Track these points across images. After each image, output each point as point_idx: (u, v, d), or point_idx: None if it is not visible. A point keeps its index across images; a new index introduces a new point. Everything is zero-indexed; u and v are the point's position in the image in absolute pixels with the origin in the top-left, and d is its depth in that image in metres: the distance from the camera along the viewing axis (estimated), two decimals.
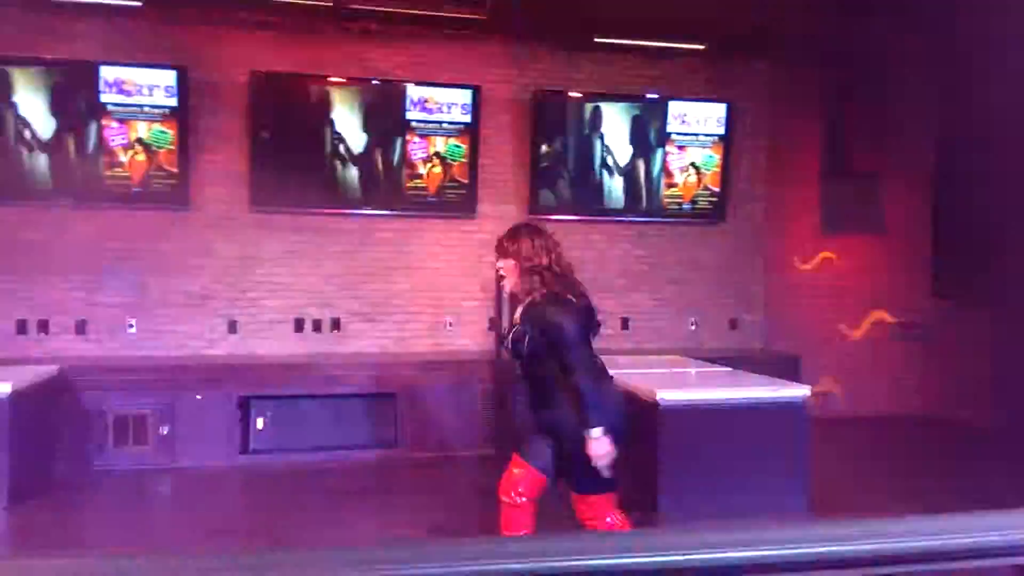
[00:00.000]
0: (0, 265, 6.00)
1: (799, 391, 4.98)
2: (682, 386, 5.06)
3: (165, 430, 5.68)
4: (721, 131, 7.10)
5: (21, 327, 6.04)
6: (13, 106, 5.90)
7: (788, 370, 6.48)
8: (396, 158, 6.58)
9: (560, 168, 6.90)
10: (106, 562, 0.92)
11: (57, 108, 5.97)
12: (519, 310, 3.40)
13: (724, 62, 7.24)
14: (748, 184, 7.39)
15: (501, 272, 3.44)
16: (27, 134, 5.92)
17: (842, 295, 7.66)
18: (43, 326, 6.08)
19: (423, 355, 6.58)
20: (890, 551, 1.02)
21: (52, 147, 5.97)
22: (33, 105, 5.93)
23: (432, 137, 6.62)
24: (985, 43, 6.61)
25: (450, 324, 6.82)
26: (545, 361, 3.26)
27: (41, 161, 5.95)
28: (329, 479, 5.55)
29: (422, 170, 6.64)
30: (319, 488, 5.36)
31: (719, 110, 7.08)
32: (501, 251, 3.42)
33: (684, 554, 1.00)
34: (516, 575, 0.95)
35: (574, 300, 3.31)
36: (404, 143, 6.58)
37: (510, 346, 3.35)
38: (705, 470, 4.67)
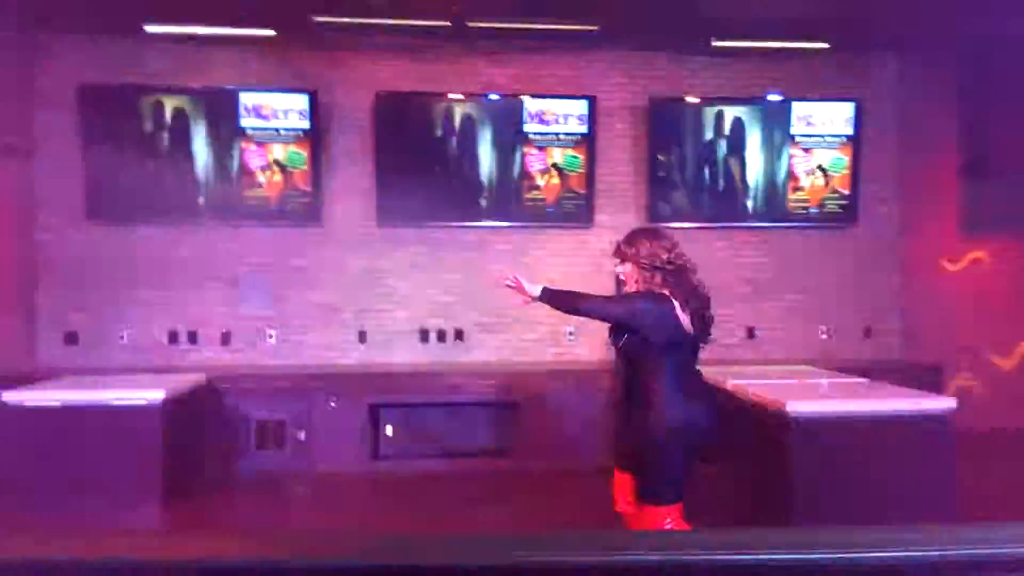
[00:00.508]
0: (154, 280, 6.49)
1: (942, 403, 4.70)
2: (814, 397, 4.88)
3: (302, 435, 5.97)
4: (849, 131, 6.83)
5: (173, 338, 6.51)
6: (165, 131, 6.38)
7: (929, 381, 6.13)
8: (514, 170, 6.69)
9: (679, 175, 6.82)
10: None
11: (203, 133, 6.42)
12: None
13: (850, 59, 6.97)
14: (880, 185, 7.06)
15: (621, 277, 3.40)
16: (178, 158, 6.39)
17: (987, 300, 7.17)
18: (192, 337, 6.53)
19: (544, 365, 6.64)
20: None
21: (199, 170, 6.41)
22: (182, 130, 6.39)
23: (549, 148, 6.69)
24: None
25: (570, 334, 6.85)
26: (638, 360, 3.24)
27: (190, 183, 6.40)
28: (453, 484, 5.68)
29: (540, 181, 6.72)
30: (444, 493, 5.50)
31: (846, 109, 6.82)
32: (620, 255, 3.38)
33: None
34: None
35: (671, 298, 3.24)
36: (522, 155, 6.68)
37: (611, 340, 3.33)
38: (841, 486, 4.48)
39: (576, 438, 6.22)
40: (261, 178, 6.48)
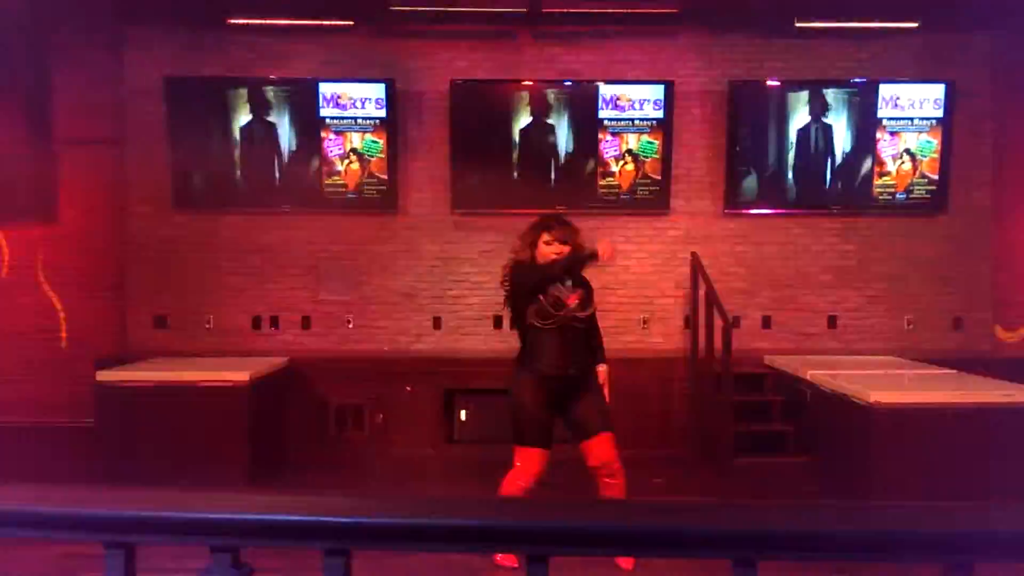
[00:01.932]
0: (238, 266, 6.71)
1: None
2: (899, 388, 4.74)
3: (380, 418, 6.10)
4: (939, 114, 6.56)
5: (256, 322, 6.72)
6: (248, 122, 6.56)
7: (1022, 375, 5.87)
8: (589, 157, 6.65)
9: (758, 160, 6.67)
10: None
11: (284, 123, 6.58)
12: (567, 282, 3.92)
13: (940, 39, 6.68)
14: (972, 170, 6.77)
15: (554, 256, 3.89)
16: (259, 148, 6.57)
17: None
18: (274, 321, 6.73)
19: (618, 352, 6.59)
20: None
21: (280, 159, 6.58)
22: (263, 120, 6.57)
23: (624, 134, 6.63)
24: None
25: (644, 322, 6.80)
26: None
27: (272, 172, 6.58)
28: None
29: (614, 168, 6.67)
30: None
31: (936, 91, 6.55)
32: (567, 239, 3.92)
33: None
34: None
35: None
36: (597, 142, 6.64)
37: (565, 311, 3.86)
38: (926, 480, 4.35)
39: (650, 426, 6.19)
40: (339, 166, 6.61)
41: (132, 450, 5.11)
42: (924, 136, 6.59)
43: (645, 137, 6.64)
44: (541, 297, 3.86)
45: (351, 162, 6.61)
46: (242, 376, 5.26)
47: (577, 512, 1.15)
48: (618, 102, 6.61)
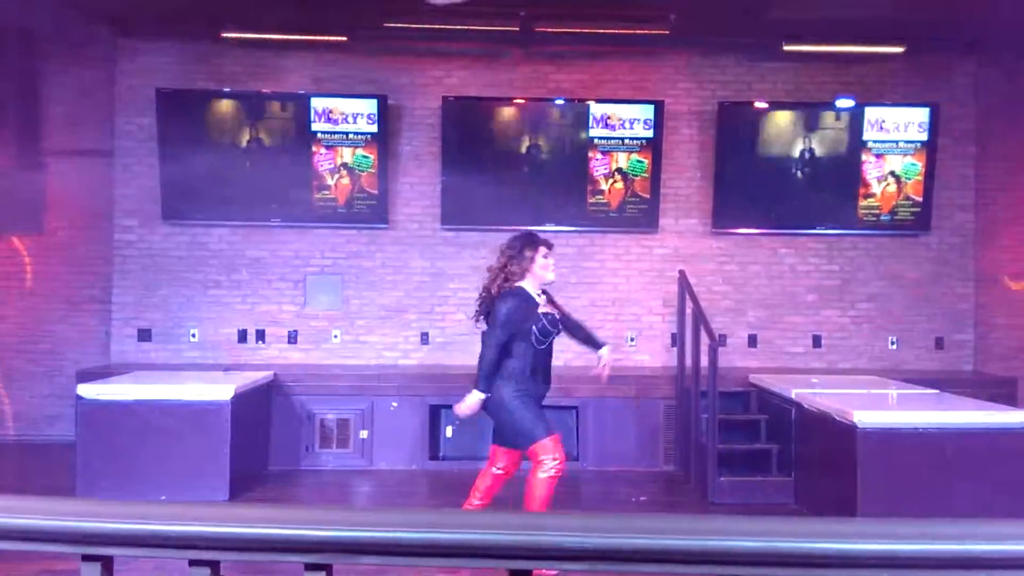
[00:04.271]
0: (225, 280, 6.69)
1: (1017, 417, 4.54)
2: (883, 408, 4.77)
3: (365, 434, 6.08)
4: (924, 137, 6.64)
5: (242, 336, 6.70)
6: (239, 135, 6.57)
7: (1003, 395, 5.93)
8: (579, 175, 6.69)
9: (746, 180, 6.72)
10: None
11: (275, 137, 6.59)
12: (544, 297, 4.02)
13: (925, 63, 6.79)
14: (955, 192, 6.86)
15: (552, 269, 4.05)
16: (250, 161, 6.57)
17: None
18: (260, 335, 6.71)
19: None
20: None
21: (271, 173, 6.58)
22: (255, 134, 6.57)
23: (614, 153, 6.68)
24: None
25: (632, 339, 6.82)
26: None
27: (262, 186, 6.58)
28: (510, 488, 5.69)
29: (604, 186, 6.71)
30: (501, 496, 5.51)
31: (921, 115, 6.64)
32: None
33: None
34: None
35: None
36: (587, 160, 6.68)
37: (559, 327, 4.02)
38: (909, 500, 4.37)
39: (636, 443, 6.19)
40: (330, 181, 6.62)
41: (113, 465, 5.07)
42: (909, 158, 6.67)
43: (635, 156, 6.69)
44: (540, 314, 3.94)
45: (341, 177, 6.62)
46: (225, 391, 5.23)
47: (564, 526, 1.15)
48: (608, 121, 6.66)
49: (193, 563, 1.18)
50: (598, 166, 6.70)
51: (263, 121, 6.59)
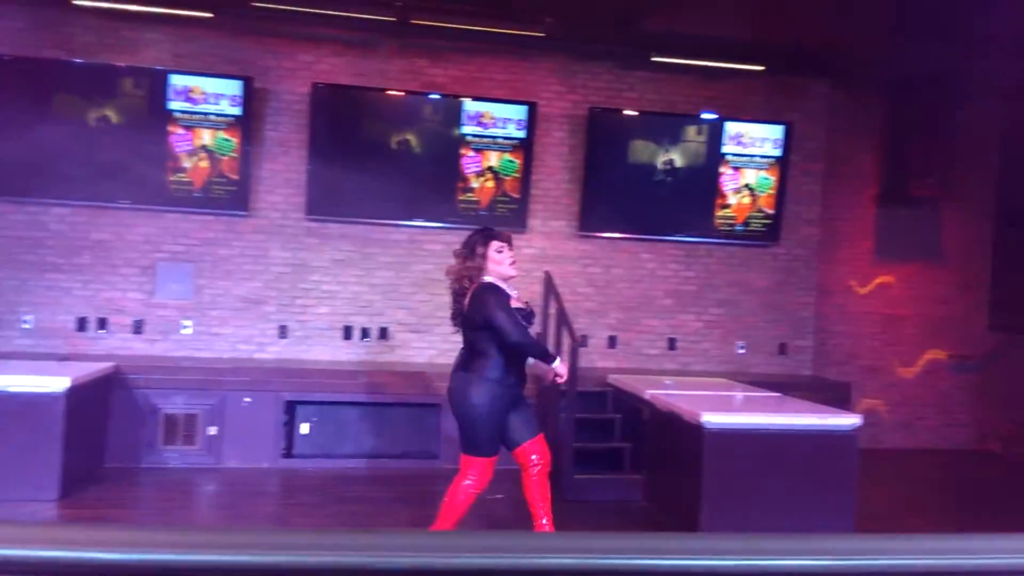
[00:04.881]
0: (65, 263, 6.22)
1: (849, 420, 4.86)
2: (728, 410, 4.98)
3: (213, 430, 5.80)
4: (778, 153, 7.02)
5: (81, 324, 6.25)
6: (87, 108, 6.12)
7: (838, 398, 6.34)
8: (450, 171, 6.65)
9: (612, 186, 6.89)
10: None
11: (127, 113, 6.18)
12: (515, 292, 3.98)
13: (782, 83, 7.17)
14: (803, 207, 7.28)
15: (514, 261, 4.00)
16: (98, 137, 6.14)
17: (896, 323, 7.47)
18: (102, 324, 6.28)
19: None
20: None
21: (120, 151, 6.17)
22: (105, 109, 6.15)
23: (486, 152, 6.68)
24: None
25: None
26: None
27: (109, 164, 6.15)
28: (368, 486, 5.60)
29: (475, 184, 6.70)
30: (357, 495, 5.41)
31: (776, 131, 7.01)
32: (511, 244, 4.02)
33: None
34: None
35: None
36: (458, 157, 6.65)
37: (531, 321, 4.01)
38: (749, 497, 4.59)
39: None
40: (187, 163, 6.28)
41: None
42: (763, 173, 7.03)
43: (506, 156, 6.72)
44: (517, 311, 3.88)
45: (200, 159, 6.30)
46: (59, 383, 4.86)
47: (527, 545, 1.02)
48: (482, 119, 6.66)
49: None
50: (470, 164, 6.68)
51: (115, 96, 6.17)
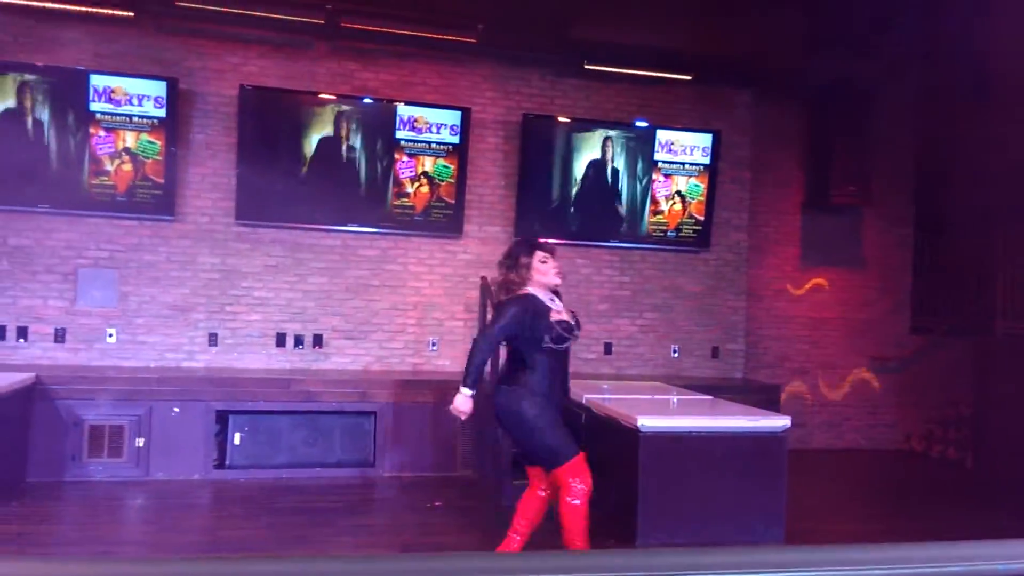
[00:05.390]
0: None
1: (778, 422, 5.00)
2: (663, 414, 5.07)
3: (141, 442, 5.61)
4: (707, 160, 7.18)
5: (0, 332, 5.98)
6: (4, 109, 5.86)
7: (767, 400, 6.51)
8: (383, 176, 6.59)
9: (547, 192, 6.94)
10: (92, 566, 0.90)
11: (45, 115, 5.94)
12: (557, 301, 3.91)
13: (710, 93, 7.34)
14: (732, 214, 7.47)
15: (558, 271, 3.96)
16: (14, 139, 5.88)
17: (822, 327, 7.74)
18: (22, 333, 6.01)
19: (405, 374, 6.56)
20: None
21: (39, 154, 5.92)
22: (21, 110, 5.90)
23: (420, 157, 6.65)
24: (965, 81, 6.75)
25: (434, 344, 6.81)
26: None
27: (28, 167, 5.90)
28: (304, 496, 5.50)
29: (409, 189, 6.66)
30: (293, 505, 5.31)
31: (705, 140, 7.17)
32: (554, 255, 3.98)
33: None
34: None
35: None
36: (392, 162, 6.60)
37: (575, 332, 3.89)
38: (684, 498, 4.67)
39: (434, 449, 6.18)
40: (109, 166, 6.07)
41: None
42: (693, 180, 7.18)
43: (441, 161, 6.70)
44: (553, 320, 3.76)
45: (123, 162, 6.09)
46: None
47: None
48: (415, 124, 6.62)
49: None
50: (404, 168, 6.64)
51: (32, 96, 5.92)
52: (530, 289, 3.84)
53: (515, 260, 3.87)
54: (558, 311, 3.84)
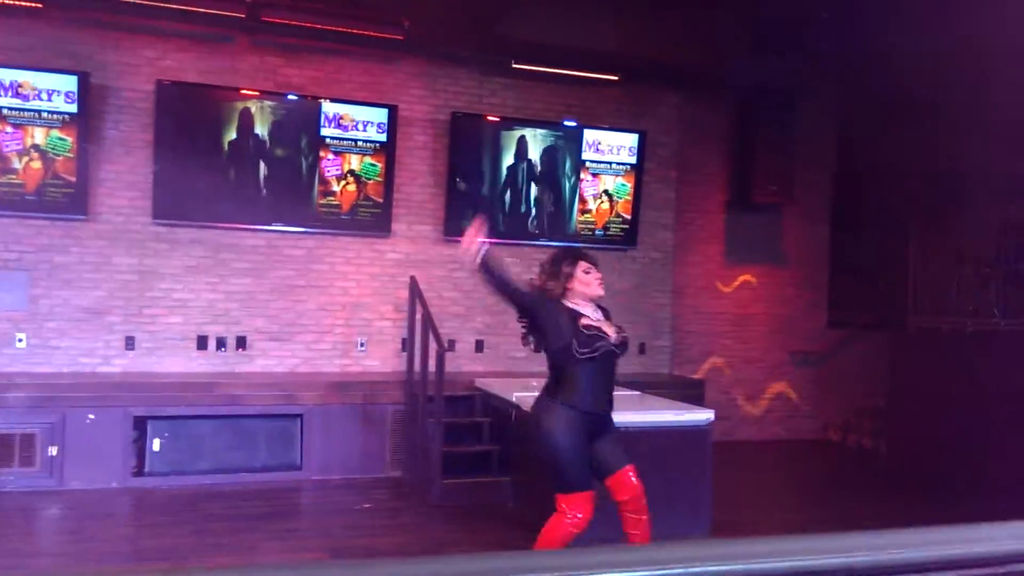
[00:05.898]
0: None
1: (703, 415, 5.11)
2: None
3: (54, 450, 5.38)
4: (633, 160, 7.27)
5: None
6: None
7: (693, 394, 6.64)
8: (309, 175, 6.47)
9: (475, 190, 6.93)
10: None
11: None
12: (599, 313, 3.78)
13: (637, 93, 7.44)
14: (658, 212, 7.58)
15: (600, 282, 3.79)
16: None
17: (745, 322, 7.94)
18: None
19: (332, 375, 6.46)
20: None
21: None
22: None
23: (347, 155, 6.55)
24: (882, 82, 7.02)
25: (362, 344, 6.72)
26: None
27: None
28: (229, 502, 5.36)
29: (336, 187, 6.55)
30: (218, 512, 5.17)
31: (631, 140, 7.26)
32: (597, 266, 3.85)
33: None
34: None
35: None
36: (317, 160, 6.48)
37: (622, 345, 3.76)
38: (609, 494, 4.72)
39: (362, 451, 6.10)
40: (17, 164, 5.80)
41: None
42: (620, 179, 7.27)
43: (368, 159, 6.61)
44: (582, 327, 3.60)
45: (32, 160, 5.83)
46: None
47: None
48: (341, 121, 6.52)
49: None
50: (330, 167, 6.53)
51: None
52: (567, 303, 3.69)
53: (557, 268, 3.73)
54: (590, 319, 3.68)
